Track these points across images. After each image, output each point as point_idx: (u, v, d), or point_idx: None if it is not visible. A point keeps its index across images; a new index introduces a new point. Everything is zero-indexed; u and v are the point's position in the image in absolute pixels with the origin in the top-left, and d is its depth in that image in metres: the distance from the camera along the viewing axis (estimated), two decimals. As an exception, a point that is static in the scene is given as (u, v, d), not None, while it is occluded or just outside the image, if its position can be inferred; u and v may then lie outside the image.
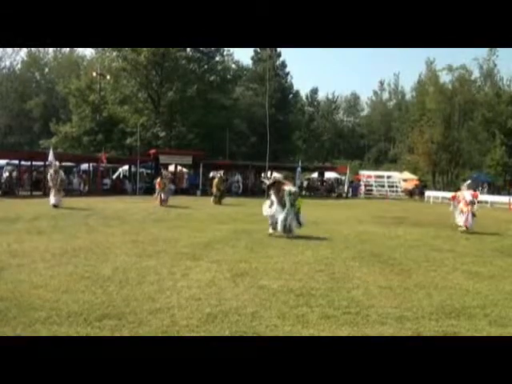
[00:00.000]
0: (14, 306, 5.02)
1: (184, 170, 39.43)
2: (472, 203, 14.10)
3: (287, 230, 11.26)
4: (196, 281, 6.45)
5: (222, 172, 26.99)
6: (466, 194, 14.54)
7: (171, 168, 38.35)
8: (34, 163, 31.50)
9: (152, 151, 35.18)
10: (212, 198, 23.87)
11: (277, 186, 11.79)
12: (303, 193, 39.48)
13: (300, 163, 38.22)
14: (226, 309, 5.13)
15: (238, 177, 34.84)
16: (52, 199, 18.30)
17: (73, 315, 4.75)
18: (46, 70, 71.63)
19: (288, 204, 11.26)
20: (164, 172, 23.10)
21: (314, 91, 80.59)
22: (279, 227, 11.26)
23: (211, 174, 41.38)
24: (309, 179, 45.74)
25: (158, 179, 22.05)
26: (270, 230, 11.50)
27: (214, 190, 24.07)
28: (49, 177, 19.34)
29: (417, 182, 46.01)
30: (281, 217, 11.24)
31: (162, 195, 21.17)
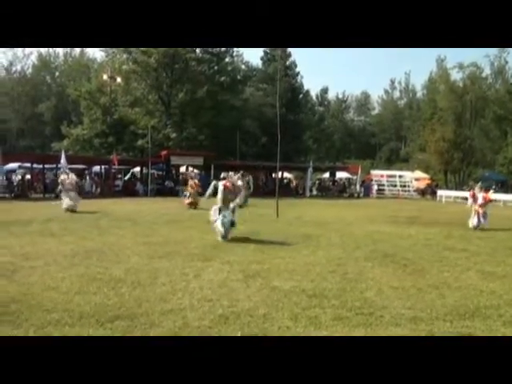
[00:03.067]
0: (27, 307, 5.06)
1: (195, 170, 39.54)
2: (483, 205, 14.25)
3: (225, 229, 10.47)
4: (208, 282, 6.46)
5: (241, 173, 26.53)
6: (479, 195, 14.73)
7: (182, 169, 38.47)
8: (46, 166, 31.76)
9: (163, 152, 35.29)
10: None
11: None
12: (314, 193, 39.45)
13: (311, 163, 38.10)
14: (238, 310, 5.13)
15: (249, 177, 34.77)
16: (67, 203, 17.52)
17: (85, 317, 4.77)
18: (57, 73, 72.37)
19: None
20: (191, 174, 22.44)
21: (325, 91, 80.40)
22: (219, 225, 10.49)
23: (222, 175, 41.46)
24: (320, 179, 45.59)
25: (191, 182, 21.33)
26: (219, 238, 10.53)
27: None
28: (61, 180, 19.02)
29: (429, 181, 45.64)
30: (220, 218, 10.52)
31: (191, 198, 20.64)
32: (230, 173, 12.17)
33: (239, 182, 11.09)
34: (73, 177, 18.68)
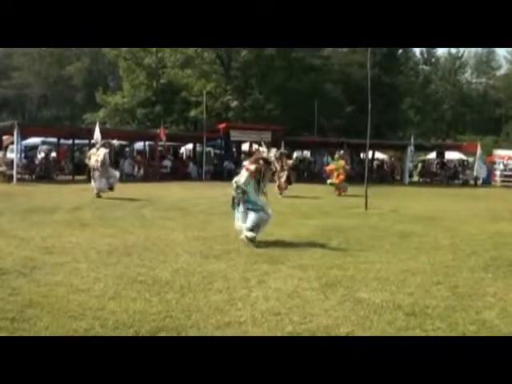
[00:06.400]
0: (47, 313, 5.24)
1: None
2: None
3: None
4: (275, 290, 6.48)
5: (341, 152, 25.11)
6: None
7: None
8: (76, 141, 32.75)
9: (221, 126, 35.72)
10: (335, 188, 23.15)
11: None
12: (416, 179, 38.61)
13: (412, 140, 37.31)
14: (312, 327, 5.10)
15: (329, 158, 34.59)
16: (95, 186, 18.31)
17: (121, 327, 4.91)
18: (90, 28, 74.65)
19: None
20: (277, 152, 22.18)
21: (432, 44, 78.26)
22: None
23: (295, 155, 41.48)
24: (424, 161, 44.60)
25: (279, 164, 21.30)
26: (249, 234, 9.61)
27: (341, 177, 23.03)
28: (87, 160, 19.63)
29: None
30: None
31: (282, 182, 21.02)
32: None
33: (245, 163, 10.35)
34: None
